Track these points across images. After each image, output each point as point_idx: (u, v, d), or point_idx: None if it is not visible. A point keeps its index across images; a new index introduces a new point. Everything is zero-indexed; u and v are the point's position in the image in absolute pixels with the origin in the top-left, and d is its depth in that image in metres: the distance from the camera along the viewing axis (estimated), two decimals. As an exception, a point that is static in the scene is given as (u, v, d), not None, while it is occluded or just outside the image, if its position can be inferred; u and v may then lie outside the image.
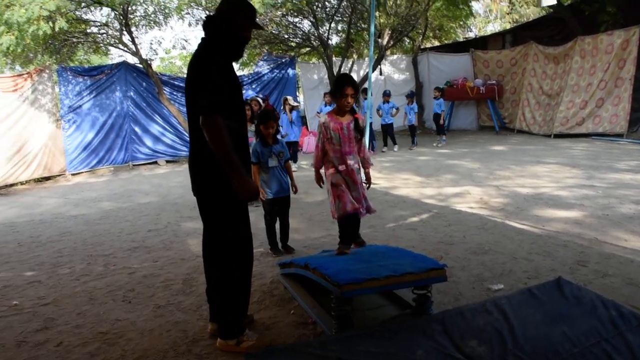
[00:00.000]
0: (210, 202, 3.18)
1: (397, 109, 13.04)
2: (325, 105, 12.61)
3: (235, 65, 23.39)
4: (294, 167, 10.63)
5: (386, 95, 13.11)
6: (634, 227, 5.26)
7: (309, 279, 3.67)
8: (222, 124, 2.89)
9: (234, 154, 2.93)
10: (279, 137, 5.54)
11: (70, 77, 13.34)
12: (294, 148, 10.57)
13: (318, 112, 12.99)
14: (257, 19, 12.11)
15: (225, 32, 3.11)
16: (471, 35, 25.21)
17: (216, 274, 3.26)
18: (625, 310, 2.97)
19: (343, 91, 3.91)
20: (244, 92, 14.05)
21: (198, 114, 2.93)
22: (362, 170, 4.21)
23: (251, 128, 7.38)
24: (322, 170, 4.27)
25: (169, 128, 14.47)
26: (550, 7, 13.37)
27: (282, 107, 10.46)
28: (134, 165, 14.05)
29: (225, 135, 2.90)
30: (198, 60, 3.08)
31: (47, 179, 13.09)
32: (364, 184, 4.17)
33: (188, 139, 3.29)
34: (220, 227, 3.17)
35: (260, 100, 8.96)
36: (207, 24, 3.16)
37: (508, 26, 24.18)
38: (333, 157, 4.03)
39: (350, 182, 4.02)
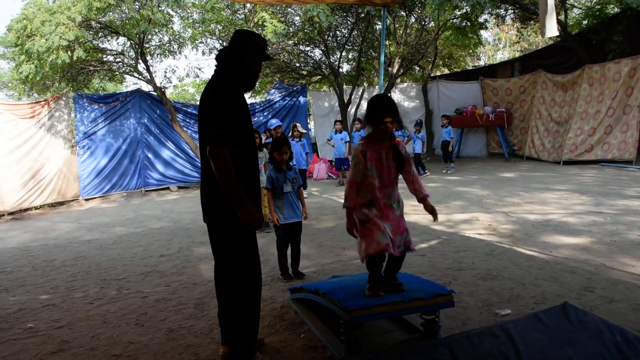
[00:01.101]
0: (219, 231, 3.28)
1: (408, 136, 13.15)
2: (336, 133, 12.75)
3: (247, 94, 23.81)
4: (304, 193, 10.75)
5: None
6: (642, 254, 5.29)
7: (319, 303, 3.74)
8: (228, 155, 3.01)
9: (239, 185, 3.05)
10: (292, 163, 5.66)
11: (86, 104, 13.63)
12: (303, 175, 10.67)
13: (329, 139, 13.13)
14: (269, 48, 12.22)
15: (237, 65, 3.25)
16: (480, 63, 25.45)
17: (226, 299, 3.34)
18: (630, 335, 3.01)
19: (381, 117, 3.37)
20: (266, 120, 14.29)
21: (206, 144, 3.07)
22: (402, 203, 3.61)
23: (260, 155, 7.80)
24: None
25: (180, 154, 14.67)
26: (557, 36, 13.52)
27: (290, 134, 10.59)
28: (146, 190, 14.23)
29: (230, 167, 3.02)
30: (210, 92, 3.21)
31: (61, 204, 13.29)
32: (404, 219, 3.56)
33: (199, 164, 3.41)
34: (229, 254, 3.27)
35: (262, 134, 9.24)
36: (220, 57, 3.31)
37: (517, 54, 24.42)
38: (366, 191, 3.45)
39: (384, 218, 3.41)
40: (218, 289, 3.44)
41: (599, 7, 13.86)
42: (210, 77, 3.36)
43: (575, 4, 16.24)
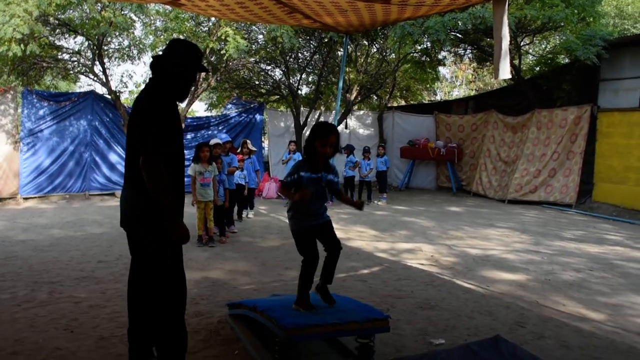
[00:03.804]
0: (142, 239, 3.21)
1: (357, 162, 13.26)
2: (289, 153, 12.76)
3: (204, 106, 23.30)
4: (250, 214, 10.69)
5: (347, 149, 13.35)
6: (573, 293, 5.49)
7: (257, 321, 3.71)
8: (162, 168, 2.99)
9: (171, 200, 3.03)
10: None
11: (35, 100, 13.19)
12: (251, 194, 10.57)
13: (283, 160, 13.11)
14: (230, 64, 12.13)
15: (171, 73, 3.22)
16: (436, 98, 26.12)
17: (149, 312, 3.24)
18: (555, 371, 3.11)
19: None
20: (216, 133, 14.17)
21: (138, 153, 3.01)
22: None
23: (209, 169, 7.82)
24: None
25: (130, 161, 14.29)
26: (511, 79, 14.05)
27: (239, 150, 10.47)
28: (90, 194, 13.82)
29: (164, 179, 2.99)
30: (144, 99, 3.19)
31: (-2, 201, 12.74)
32: None
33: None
34: (152, 263, 3.19)
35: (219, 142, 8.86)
36: (154, 65, 3.28)
37: (472, 93, 25.22)
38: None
39: None
40: (132, 303, 3.33)
41: (550, 56, 14.49)
42: (145, 85, 3.32)
43: (530, 51, 16.93)
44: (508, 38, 4.53)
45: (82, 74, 14.76)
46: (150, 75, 3.31)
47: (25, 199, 12.95)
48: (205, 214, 7.88)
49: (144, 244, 3.21)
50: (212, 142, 8.59)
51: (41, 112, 13.21)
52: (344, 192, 4.05)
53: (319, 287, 3.75)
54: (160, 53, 3.34)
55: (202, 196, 7.80)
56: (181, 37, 12.82)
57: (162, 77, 3.24)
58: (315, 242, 3.73)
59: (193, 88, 14.44)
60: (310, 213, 3.73)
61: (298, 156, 12.70)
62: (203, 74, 13.98)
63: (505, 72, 4.71)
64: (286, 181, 3.76)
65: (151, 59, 3.35)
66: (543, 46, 18.45)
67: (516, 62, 13.79)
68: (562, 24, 12.62)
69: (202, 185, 7.79)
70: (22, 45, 10.79)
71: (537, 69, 15.42)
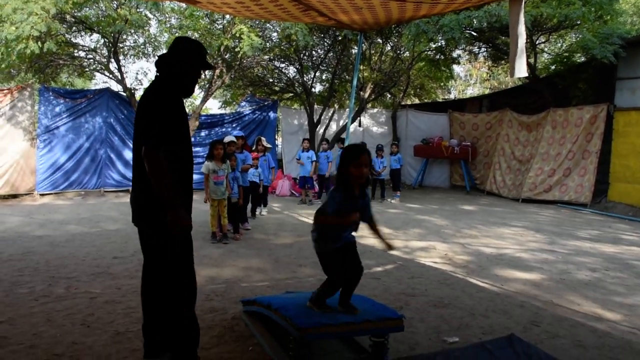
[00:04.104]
0: (150, 234, 3.25)
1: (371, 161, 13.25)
2: (303, 151, 12.77)
3: (218, 104, 23.40)
4: (263, 211, 10.70)
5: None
6: (588, 293, 5.45)
7: (270, 318, 3.73)
8: (162, 159, 3.02)
9: (171, 189, 3.05)
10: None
11: (52, 97, 13.32)
12: (265, 191, 10.59)
13: (298, 159, 13.12)
14: (244, 61, 12.15)
15: (176, 71, 3.28)
16: (450, 96, 26.00)
17: (159, 307, 3.28)
18: (570, 370, 3.09)
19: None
20: (230, 130, 14.23)
21: (142, 145, 3.06)
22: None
23: (223, 167, 7.75)
24: None
25: (144, 158, 14.39)
26: (526, 78, 13.94)
27: (254, 148, 10.51)
28: (105, 191, 13.95)
29: (165, 170, 3.02)
30: (149, 96, 3.23)
31: (14, 196, 12.88)
32: None
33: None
34: (162, 260, 3.22)
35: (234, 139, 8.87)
36: (160, 62, 3.33)
37: (486, 91, 25.06)
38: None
39: None
40: (145, 298, 3.37)
41: (567, 54, 14.35)
42: (151, 82, 3.37)
43: (545, 50, 16.80)
44: (524, 36, 4.50)
45: (98, 71, 14.91)
46: (156, 74, 3.37)
47: (42, 195, 13.11)
48: (218, 211, 7.88)
49: (149, 238, 3.26)
50: (226, 139, 8.60)
51: (57, 109, 13.34)
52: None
53: (341, 304, 3.59)
54: (165, 52, 3.39)
55: (215, 194, 7.77)
56: (196, 34, 12.89)
57: (167, 74, 3.29)
58: (343, 263, 3.58)
59: (208, 85, 14.51)
60: (341, 236, 3.57)
61: (312, 154, 12.71)
62: (217, 72, 14.04)
63: (521, 70, 4.68)
64: (328, 212, 3.47)
65: (157, 58, 3.40)
66: (559, 44, 18.27)
67: (531, 60, 13.69)
68: (579, 22, 12.49)
69: (215, 183, 7.74)
70: (39, 42, 10.91)
71: (553, 67, 15.28)
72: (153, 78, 3.41)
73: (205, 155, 8.04)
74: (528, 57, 12.93)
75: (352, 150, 3.59)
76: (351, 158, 3.48)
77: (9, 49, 10.85)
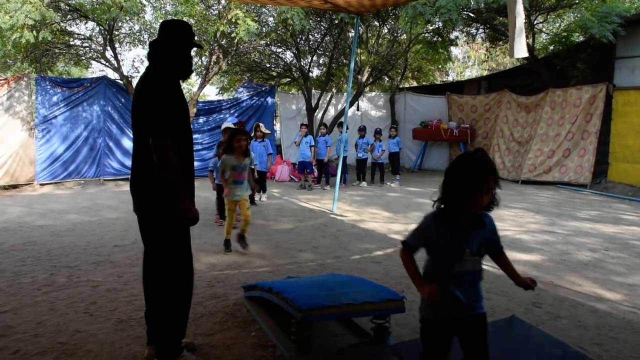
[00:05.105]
0: (152, 224, 3.23)
1: (372, 144, 13.24)
2: (300, 136, 12.74)
3: (215, 90, 23.25)
4: (263, 197, 10.66)
5: (362, 130, 13.35)
6: (588, 273, 5.47)
7: (272, 302, 3.74)
8: (171, 148, 3.00)
9: (179, 179, 3.03)
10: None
11: (49, 87, 13.27)
12: (263, 177, 10.55)
13: (296, 142, 13.11)
14: (240, 47, 12.03)
15: (169, 54, 3.25)
16: (448, 78, 25.90)
17: (155, 296, 3.28)
18: (570, 350, 3.12)
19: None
20: (228, 117, 14.19)
21: (147, 135, 3.02)
22: None
23: (245, 162, 6.39)
24: None
25: (143, 146, 14.38)
26: (524, 58, 13.88)
27: (253, 134, 10.48)
28: (104, 180, 13.95)
29: (173, 160, 3.00)
30: (147, 81, 3.19)
31: (14, 187, 12.88)
32: None
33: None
34: (161, 249, 3.21)
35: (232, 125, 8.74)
36: (154, 48, 3.30)
37: (484, 73, 24.94)
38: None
39: None
40: (146, 286, 3.37)
41: (565, 34, 14.28)
42: (146, 67, 3.34)
43: (543, 30, 16.70)
44: (523, 16, 4.48)
45: (94, 59, 14.84)
46: (149, 60, 3.32)
47: (42, 185, 13.11)
48: (236, 213, 6.54)
49: (150, 227, 3.24)
50: (224, 126, 8.45)
51: (55, 99, 13.30)
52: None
53: None
54: (155, 38, 3.35)
55: (234, 195, 6.30)
56: (192, 20, 12.81)
57: (161, 59, 3.25)
58: (449, 351, 2.48)
59: (204, 72, 14.44)
60: (453, 297, 2.40)
61: (310, 139, 12.68)
62: (214, 58, 13.96)
63: (520, 50, 4.66)
64: (409, 242, 2.54)
65: (148, 46, 3.37)
66: (557, 24, 18.17)
67: (530, 41, 13.60)
68: (577, 1, 12.43)
69: (235, 182, 6.28)
70: (34, 31, 10.84)
71: (551, 47, 15.21)
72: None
73: (204, 143, 7.87)
74: (527, 37, 12.87)
75: (478, 168, 2.34)
76: (477, 179, 2.31)
77: (4, 39, 10.82)
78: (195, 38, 3.49)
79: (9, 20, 10.27)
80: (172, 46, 3.25)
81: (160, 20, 13.81)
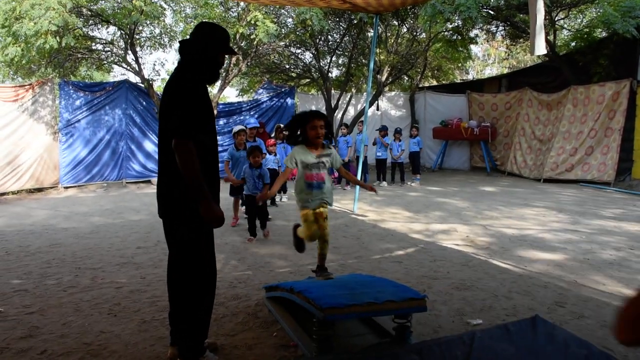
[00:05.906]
0: (177, 227, 3.22)
1: (387, 143, 13.17)
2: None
3: (235, 92, 23.35)
4: (284, 198, 10.70)
5: (382, 130, 13.30)
6: (613, 272, 5.39)
7: (293, 303, 3.75)
8: (194, 149, 2.98)
9: (202, 180, 3.01)
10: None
11: (72, 91, 13.49)
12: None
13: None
14: (260, 48, 12.03)
15: (200, 57, 3.22)
16: (468, 77, 25.70)
17: (179, 297, 3.29)
18: (595, 350, 3.07)
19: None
20: (247, 118, 14.27)
21: (170, 136, 3.01)
22: None
23: (323, 157, 4.63)
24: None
25: (164, 148, 14.54)
26: (545, 55, 13.73)
27: (274, 135, 10.52)
28: (127, 182, 14.13)
29: (196, 161, 2.98)
30: (173, 83, 3.18)
31: (39, 190, 13.12)
32: None
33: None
34: (186, 251, 3.21)
35: (247, 130, 8.53)
36: (183, 48, 3.28)
37: (505, 71, 24.73)
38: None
39: None
40: (171, 288, 3.39)
41: (587, 30, 14.09)
42: (174, 69, 3.32)
43: (565, 26, 16.50)
44: (543, 12, 4.43)
45: (116, 63, 15.03)
46: (179, 60, 3.31)
47: (66, 188, 13.33)
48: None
49: (176, 231, 3.23)
50: (236, 129, 8.35)
51: (77, 103, 13.52)
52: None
53: None
54: (188, 37, 3.35)
55: (309, 202, 4.63)
56: (211, 23, 12.88)
57: (190, 60, 3.24)
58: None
59: (224, 74, 14.54)
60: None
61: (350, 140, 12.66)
62: (234, 59, 14.05)
63: (541, 47, 4.62)
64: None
65: (179, 43, 3.35)
66: (579, 20, 17.93)
67: (551, 37, 13.45)
68: (599, -4, 12.24)
69: (309, 185, 4.65)
70: (57, 37, 11.02)
71: (573, 44, 15.01)
72: (173, 68, 3.36)
73: (224, 145, 7.86)
74: (547, 34, 12.72)
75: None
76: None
77: (29, 45, 11.00)
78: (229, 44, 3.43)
79: (33, 26, 10.46)
80: (202, 49, 3.22)
81: (180, 24, 14.00)
